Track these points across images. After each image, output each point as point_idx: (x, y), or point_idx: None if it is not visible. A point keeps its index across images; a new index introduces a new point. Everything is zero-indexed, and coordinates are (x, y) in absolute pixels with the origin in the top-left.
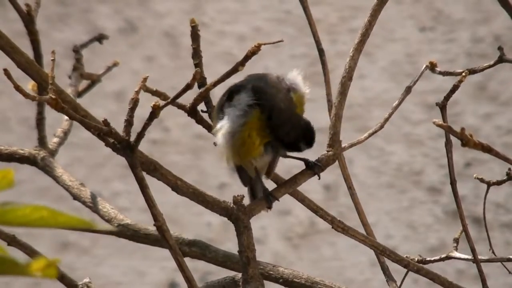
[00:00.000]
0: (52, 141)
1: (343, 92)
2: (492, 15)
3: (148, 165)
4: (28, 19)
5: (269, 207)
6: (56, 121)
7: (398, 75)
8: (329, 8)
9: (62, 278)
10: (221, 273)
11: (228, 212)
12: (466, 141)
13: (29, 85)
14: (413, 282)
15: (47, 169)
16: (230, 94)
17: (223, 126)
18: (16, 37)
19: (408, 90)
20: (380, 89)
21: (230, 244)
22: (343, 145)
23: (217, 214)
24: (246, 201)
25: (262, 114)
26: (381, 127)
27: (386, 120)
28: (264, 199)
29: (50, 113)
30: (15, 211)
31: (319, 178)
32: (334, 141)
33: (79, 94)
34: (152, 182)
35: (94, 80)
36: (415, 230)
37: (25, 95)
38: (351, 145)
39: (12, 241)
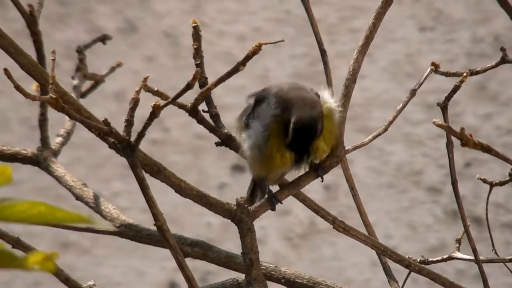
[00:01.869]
0: (54, 142)
1: (347, 95)
2: (492, 15)
3: (151, 167)
4: (30, 19)
5: (273, 210)
6: (58, 121)
7: (398, 75)
8: (329, 8)
9: (66, 280)
10: (221, 273)
11: (231, 214)
12: (466, 141)
13: (33, 86)
14: (413, 282)
15: (50, 170)
16: (254, 103)
17: (248, 137)
18: (16, 37)
19: (412, 93)
20: (380, 89)
21: (230, 244)
22: (346, 147)
23: (220, 216)
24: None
25: (281, 124)
26: (385, 129)
27: (391, 123)
28: (267, 201)
29: (51, 114)
30: (13, 207)
31: (322, 181)
32: (338, 143)
33: (83, 94)
34: (153, 182)
35: (97, 81)
36: (415, 230)
37: (26, 94)
38: (355, 148)
39: (17, 243)
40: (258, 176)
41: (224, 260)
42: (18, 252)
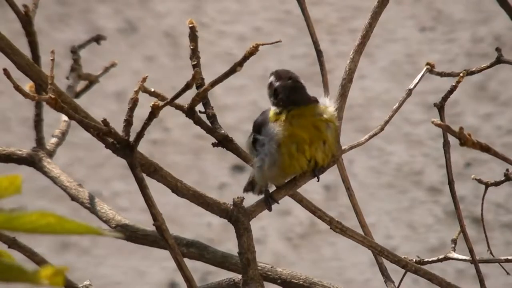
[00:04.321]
0: (50, 142)
1: (343, 94)
2: (492, 15)
3: (148, 167)
4: (26, 20)
5: (269, 209)
6: (56, 121)
7: (398, 75)
8: (329, 8)
9: None
10: (221, 273)
11: (228, 214)
12: (465, 141)
13: (27, 86)
14: (413, 282)
15: (45, 170)
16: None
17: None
18: (15, 37)
19: (408, 93)
20: (381, 89)
21: (230, 244)
22: (343, 147)
23: (217, 215)
24: (246, 202)
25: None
26: (381, 129)
27: (386, 122)
28: (264, 201)
29: (49, 113)
30: (22, 218)
31: (318, 180)
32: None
33: (77, 94)
34: (153, 182)
35: (92, 81)
36: (416, 230)
37: (25, 94)
38: (351, 147)
39: (13, 243)
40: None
41: (219, 260)
42: (15, 253)
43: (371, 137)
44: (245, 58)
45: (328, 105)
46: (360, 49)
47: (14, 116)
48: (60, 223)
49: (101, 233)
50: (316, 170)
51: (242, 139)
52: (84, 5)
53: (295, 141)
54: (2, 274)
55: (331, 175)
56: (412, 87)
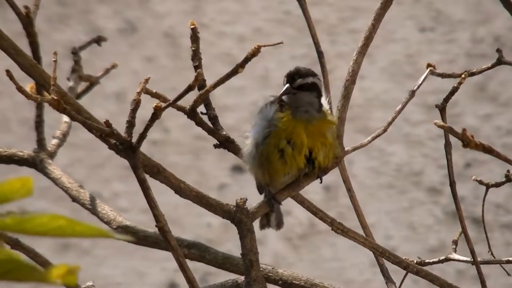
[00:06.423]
0: (51, 143)
1: (347, 96)
2: (492, 16)
3: (151, 168)
4: (27, 21)
5: (272, 211)
6: (56, 121)
7: (398, 75)
8: (329, 9)
9: None
10: (221, 274)
11: (231, 215)
12: (468, 142)
13: (28, 87)
14: (413, 283)
15: (46, 171)
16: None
17: (250, 143)
18: (16, 38)
19: (411, 94)
20: (380, 89)
21: (229, 245)
22: (345, 148)
23: (220, 217)
24: (249, 204)
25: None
26: (385, 130)
27: (390, 124)
28: (266, 202)
29: (50, 114)
30: (33, 220)
31: (321, 182)
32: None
33: (78, 96)
34: (152, 183)
35: (92, 82)
36: (415, 230)
37: (28, 96)
38: (354, 149)
39: (16, 244)
40: (262, 183)
41: (221, 261)
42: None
43: (374, 138)
44: (247, 59)
45: (325, 106)
46: (363, 50)
47: (15, 117)
48: (71, 225)
49: (111, 235)
50: (319, 172)
51: (242, 139)
52: (84, 5)
53: (288, 138)
54: (13, 274)
55: (331, 176)
56: (415, 88)
